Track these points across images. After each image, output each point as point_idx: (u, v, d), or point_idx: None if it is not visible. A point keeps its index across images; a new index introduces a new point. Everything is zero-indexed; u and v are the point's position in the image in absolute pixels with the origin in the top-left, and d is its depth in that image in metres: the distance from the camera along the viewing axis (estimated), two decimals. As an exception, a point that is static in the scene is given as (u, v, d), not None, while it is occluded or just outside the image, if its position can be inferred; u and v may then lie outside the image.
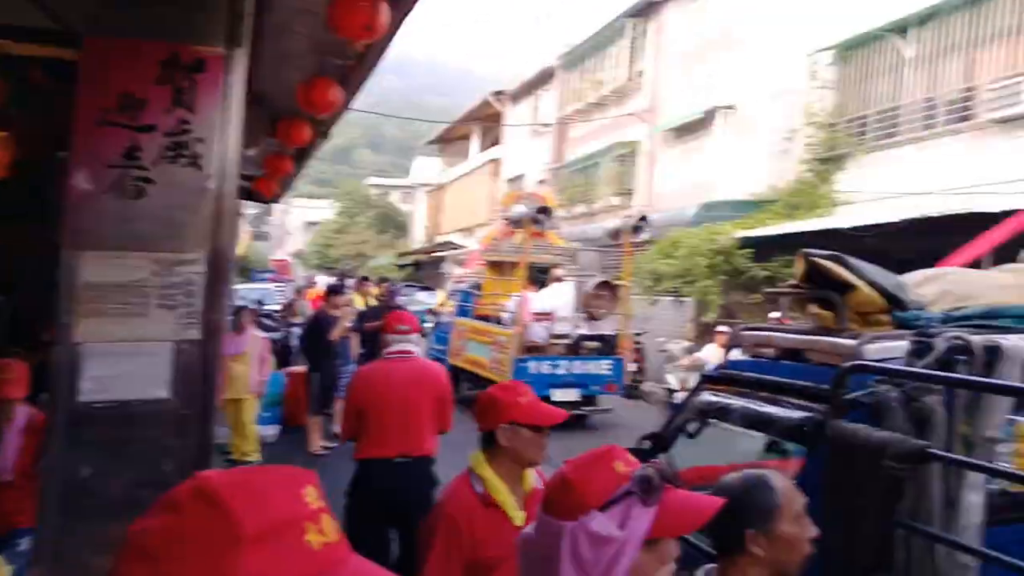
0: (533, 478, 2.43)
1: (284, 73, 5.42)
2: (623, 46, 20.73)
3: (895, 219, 9.65)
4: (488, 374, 9.88)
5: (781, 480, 1.67)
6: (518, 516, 2.31)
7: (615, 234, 11.96)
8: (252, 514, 0.74)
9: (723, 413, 2.48)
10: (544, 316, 10.34)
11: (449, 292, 15.66)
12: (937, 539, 1.76)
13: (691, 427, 2.69)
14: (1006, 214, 8.78)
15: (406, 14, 4.30)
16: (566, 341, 10.53)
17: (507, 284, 11.50)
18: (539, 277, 11.37)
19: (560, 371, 10.20)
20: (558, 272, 11.32)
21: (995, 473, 1.92)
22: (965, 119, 11.19)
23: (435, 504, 2.39)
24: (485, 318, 11.52)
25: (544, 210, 11.04)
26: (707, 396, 2.60)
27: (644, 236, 11.57)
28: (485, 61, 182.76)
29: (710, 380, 2.72)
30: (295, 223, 74.85)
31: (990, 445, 1.94)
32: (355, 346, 9.68)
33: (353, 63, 5.02)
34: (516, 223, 11.42)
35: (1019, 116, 10.18)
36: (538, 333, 10.22)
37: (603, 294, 10.92)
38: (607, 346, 10.73)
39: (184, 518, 0.75)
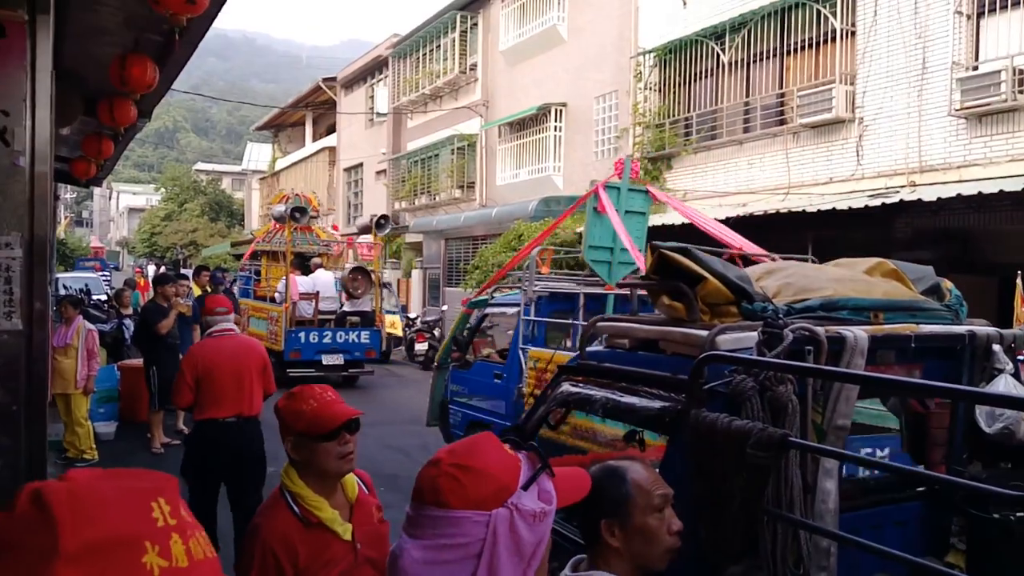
0: (354, 482, 2.23)
1: (97, 48, 4.97)
2: (453, 39, 20.82)
3: (721, 217, 10.26)
4: (268, 344, 10.97)
5: (640, 472, 1.67)
6: (345, 530, 2.11)
7: (364, 229, 15.11)
8: (77, 528, 0.66)
9: (585, 403, 2.49)
10: (308, 295, 12.79)
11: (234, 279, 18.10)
12: (801, 525, 1.84)
13: (552, 418, 2.70)
14: (817, 214, 9.57)
15: (231, -11, 4.04)
16: (331, 316, 13.09)
17: (278, 270, 14.14)
18: (304, 264, 14.36)
19: (327, 340, 12.52)
20: (317, 260, 14.52)
21: (850, 460, 2.03)
22: (781, 123, 12.09)
23: (250, 527, 2.12)
24: (263, 299, 13.95)
25: (299, 209, 12.97)
26: (567, 386, 2.61)
27: (385, 232, 14.65)
28: (312, 47, 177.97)
29: (569, 371, 2.73)
30: (118, 209, 69.74)
31: (841, 433, 2.06)
32: (197, 338, 9.17)
33: (173, 39, 4.66)
34: (279, 220, 13.60)
35: (827, 122, 11.12)
36: (304, 309, 12.73)
37: (359, 278, 13.29)
38: (367, 320, 13.20)
39: (12, 521, 0.68)
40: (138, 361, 8.80)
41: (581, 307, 7.01)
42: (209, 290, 10.48)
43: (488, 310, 8.00)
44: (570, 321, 6.95)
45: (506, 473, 1.15)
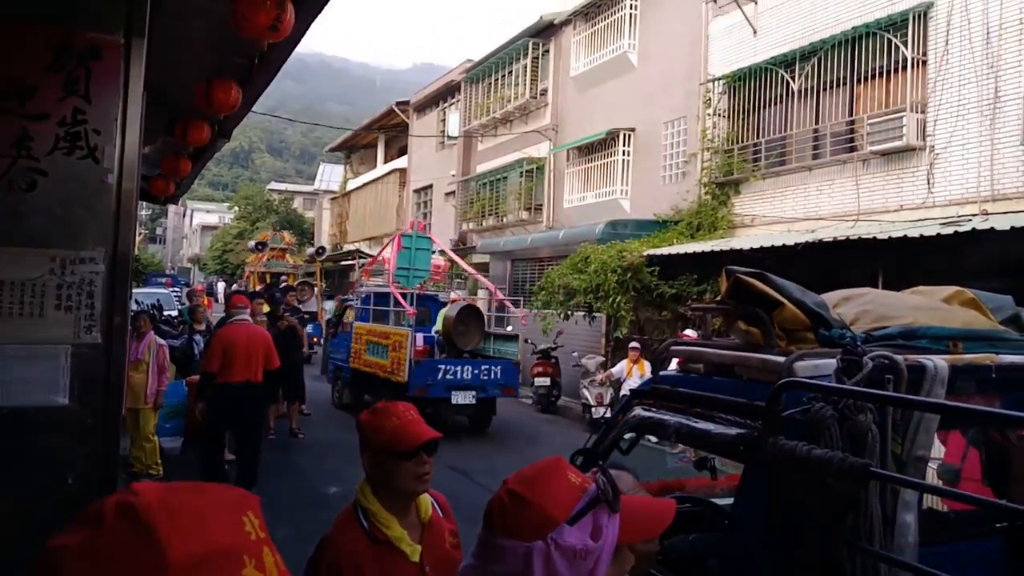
0: (429, 505, 2.21)
1: (183, 69, 5.17)
2: (525, 65, 21.04)
3: (791, 243, 10.04)
4: (389, 375, 11.54)
5: (624, 484, 1.65)
6: (413, 551, 2.08)
7: (312, 256, 21.52)
8: (182, 541, 0.64)
9: (657, 428, 2.44)
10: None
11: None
12: (884, 558, 1.76)
13: (624, 443, 2.66)
14: (888, 241, 9.28)
15: (313, 17, 4.16)
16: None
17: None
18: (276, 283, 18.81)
19: (461, 375, 11.82)
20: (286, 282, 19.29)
21: (933, 491, 1.95)
22: (851, 150, 11.81)
23: (321, 540, 2.13)
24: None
25: (260, 243, 18.05)
26: (639, 411, 2.56)
27: (322, 258, 21.11)
28: (386, 71, 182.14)
29: (641, 395, 2.68)
30: (191, 227, 72.22)
31: (921, 464, 1.97)
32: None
33: (256, 63, 4.82)
34: (253, 250, 18.48)
35: (898, 150, 10.83)
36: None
37: (305, 289, 18.30)
38: (312, 317, 16.73)
39: (104, 538, 0.65)
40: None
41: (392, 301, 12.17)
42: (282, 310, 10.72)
43: (346, 303, 15.22)
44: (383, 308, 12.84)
45: (557, 505, 1.10)
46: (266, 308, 10.30)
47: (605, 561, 1.08)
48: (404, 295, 11.74)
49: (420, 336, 11.89)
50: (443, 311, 12.62)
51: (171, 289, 30.04)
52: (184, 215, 74.03)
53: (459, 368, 11.04)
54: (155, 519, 0.65)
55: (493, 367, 11.38)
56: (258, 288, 18.95)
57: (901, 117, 10.77)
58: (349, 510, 2.15)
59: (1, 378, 2.36)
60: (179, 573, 0.63)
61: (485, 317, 12.87)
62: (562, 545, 1.06)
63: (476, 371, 11.14)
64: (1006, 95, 9.74)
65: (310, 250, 23.14)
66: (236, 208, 51.63)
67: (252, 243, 17.56)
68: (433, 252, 13.45)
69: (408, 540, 2.08)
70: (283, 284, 18.59)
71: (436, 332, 12.50)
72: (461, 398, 10.94)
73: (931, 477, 3.06)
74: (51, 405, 2.43)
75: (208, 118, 5.82)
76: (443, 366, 10.96)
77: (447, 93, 27.06)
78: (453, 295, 14.91)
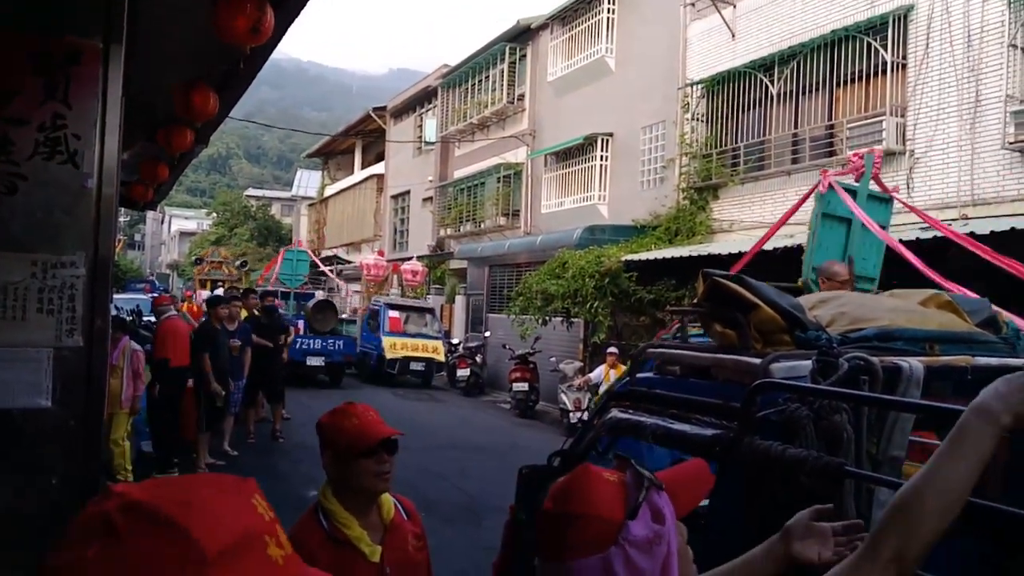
0: (392, 507, 2.21)
1: (161, 75, 5.15)
2: (502, 70, 21.10)
3: (769, 247, 10.13)
4: None
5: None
6: (373, 551, 2.08)
7: (239, 268, 28.31)
8: (210, 531, 0.64)
9: (635, 430, 2.47)
10: None
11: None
12: (857, 554, 1.80)
13: (601, 445, 2.68)
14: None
15: (291, 20, 4.17)
16: None
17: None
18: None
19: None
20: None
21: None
22: (830, 154, 11.96)
23: None
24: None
25: (199, 259, 22.30)
26: (616, 413, 2.59)
27: (245, 269, 23.87)
28: (362, 77, 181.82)
29: (618, 397, 2.71)
30: (170, 233, 71.59)
31: (896, 464, 2.01)
32: (247, 362, 9.37)
33: (236, 68, 4.82)
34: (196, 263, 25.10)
35: (884, 152, 10.96)
36: None
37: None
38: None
39: (128, 543, 0.63)
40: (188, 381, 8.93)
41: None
42: (257, 313, 10.67)
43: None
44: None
45: (609, 507, 1.08)
46: (244, 313, 10.28)
47: (673, 538, 1.09)
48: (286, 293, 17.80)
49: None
50: (307, 304, 18.45)
51: (150, 295, 29.94)
52: (163, 221, 73.38)
53: (311, 342, 16.18)
54: (173, 513, 0.64)
55: (337, 341, 16.73)
56: (199, 292, 24.76)
57: (881, 121, 10.91)
58: (310, 510, 2.16)
59: (-16, 380, 2.37)
60: (217, 561, 0.63)
61: (338, 308, 19.11)
62: (635, 541, 1.06)
63: (323, 344, 16.39)
64: (987, 99, 9.87)
65: (238, 262, 30.66)
66: (214, 214, 51.39)
67: (194, 258, 22.25)
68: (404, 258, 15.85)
69: (367, 540, 2.09)
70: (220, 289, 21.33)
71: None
72: (313, 361, 16.19)
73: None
74: (34, 407, 2.45)
75: (188, 123, 5.81)
76: (299, 340, 15.20)
77: (424, 98, 27.07)
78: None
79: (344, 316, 20.31)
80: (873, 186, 6.17)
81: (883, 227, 6.10)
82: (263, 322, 10.42)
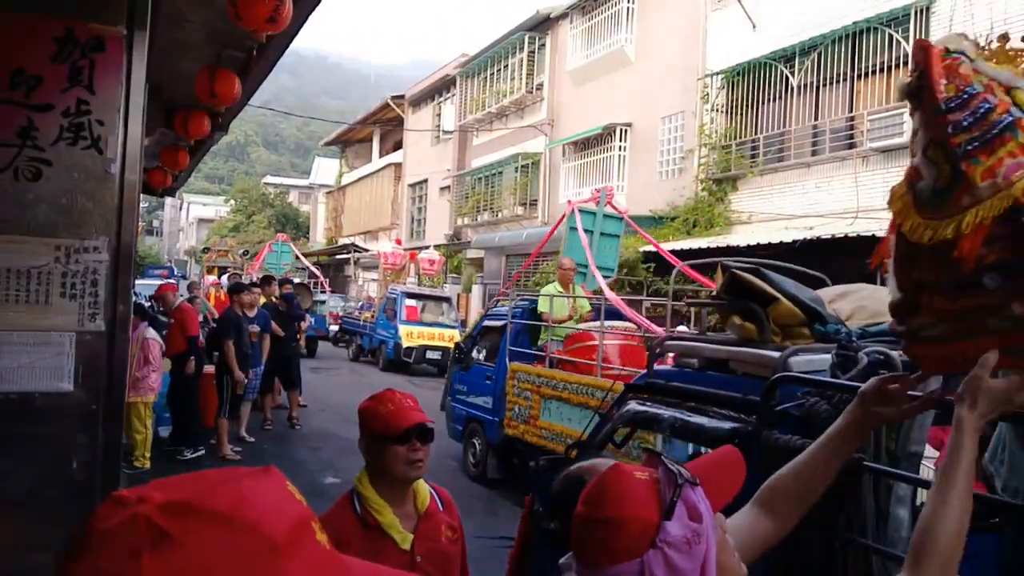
0: (427, 496, 2.22)
1: (181, 61, 5.18)
2: (521, 59, 21.02)
3: (788, 239, 10.07)
4: None
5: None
6: (404, 538, 2.10)
7: (242, 256, 29.62)
8: (272, 521, 0.63)
9: (652, 423, 2.47)
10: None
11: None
12: (876, 551, 1.80)
13: (618, 436, 2.68)
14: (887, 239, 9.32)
15: (311, 9, 4.17)
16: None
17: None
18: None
19: None
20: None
21: (927, 486, 1.98)
22: (850, 147, 11.84)
23: None
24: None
25: (207, 248, 26.49)
26: (634, 405, 2.59)
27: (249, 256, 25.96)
28: (380, 66, 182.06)
29: (636, 389, 2.71)
30: (187, 219, 72.07)
31: (915, 459, 2.00)
32: (267, 348, 9.44)
33: (253, 56, 4.83)
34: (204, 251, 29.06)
35: (898, 147, 10.85)
36: None
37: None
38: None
39: (190, 547, 0.60)
40: (210, 368, 8.86)
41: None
42: (275, 300, 10.72)
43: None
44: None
45: (643, 507, 1.05)
46: (262, 300, 10.34)
47: (711, 534, 1.06)
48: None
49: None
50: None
51: (167, 281, 30.40)
52: (180, 208, 73.79)
53: None
54: (228, 508, 0.62)
55: (312, 317, 17.05)
56: (208, 278, 25.76)
57: (902, 113, 10.79)
58: (346, 495, 2.19)
59: (8, 364, 2.40)
60: (285, 550, 0.62)
61: (312, 291, 20.41)
62: (673, 542, 1.02)
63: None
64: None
65: (241, 251, 32.57)
66: (232, 201, 51.67)
67: (202, 247, 24.30)
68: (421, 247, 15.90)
69: (399, 528, 2.10)
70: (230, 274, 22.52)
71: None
72: None
73: (926, 473, 3.10)
74: (56, 391, 2.47)
75: (207, 110, 5.83)
76: None
77: (442, 87, 27.04)
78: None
79: (318, 298, 22.26)
80: (610, 209, 9.75)
81: (616, 236, 9.86)
82: (281, 309, 10.49)
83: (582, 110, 18.48)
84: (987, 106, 1.17)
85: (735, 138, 14.02)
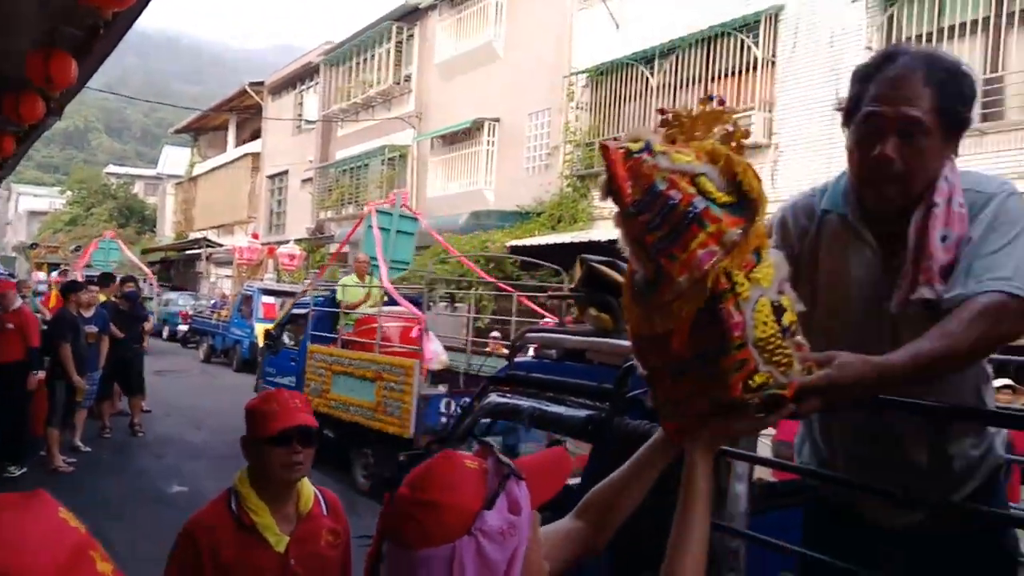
0: (311, 499, 2.17)
1: (10, 36, 4.75)
2: (388, 49, 20.76)
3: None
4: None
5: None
6: (279, 541, 2.06)
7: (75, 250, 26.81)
8: (35, 559, 0.57)
9: (513, 413, 2.50)
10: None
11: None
12: (716, 527, 1.88)
13: (479, 428, 2.69)
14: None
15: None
16: None
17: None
18: None
19: None
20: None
21: (763, 463, 2.10)
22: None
23: (188, 519, 2.12)
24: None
25: (34, 244, 23.60)
26: (495, 397, 2.61)
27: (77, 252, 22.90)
28: (239, 51, 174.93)
29: (497, 381, 2.73)
30: (16, 212, 66.44)
31: (752, 438, 2.12)
32: (105, 351, 8.82)
33: (99, 33, 4.51)
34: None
35: (746, 147, 11.48)
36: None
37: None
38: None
39: None
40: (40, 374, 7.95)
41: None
42: (115, 299, 10.03)
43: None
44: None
45: (466, 495, 1.05)
46: (102, 297, 9.69)
47: (526, 530, 1.06)
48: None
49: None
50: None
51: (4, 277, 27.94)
52: (9, 199, 67.94)
53: None
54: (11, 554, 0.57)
55: None
56: (37, 274, 24.13)
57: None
58: (224, 492, 2.14)
59: None
60: None
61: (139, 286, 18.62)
62: (488, 531, 1.02)
63: None
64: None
65: (72, 247, 30.19)
66: (69, 192, 48.12)
67: (31, 243, 22.72)
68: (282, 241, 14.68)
69: (275, 530, 2.06)
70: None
71: None
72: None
73: (764, 451, 3.29)
74: None
75: (41, 92, 5.38)
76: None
77: (305, 75, 26.27)
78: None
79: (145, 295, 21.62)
80: (405, 210, 10.97)
81: (411, 234, 11.08)
82: (122, 308, 9.82)
83: (451, 104, 18.45)
84: (672, 202, 1.19)
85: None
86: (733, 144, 1.30)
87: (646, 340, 1.31)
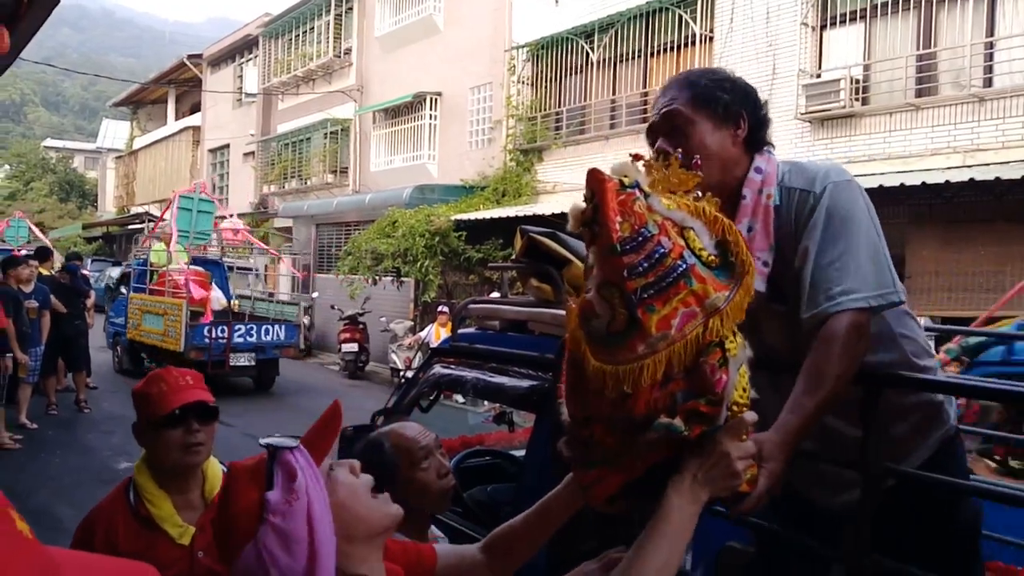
0: (219, 478, 1.97)
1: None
2: (328, 22, 20.36)
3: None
4: (165, 344, 11.24)
5: (398, 434, 1.84)
6: (182, 532, 1.89)
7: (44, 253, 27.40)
8: None
9: (456, 385, 2.54)
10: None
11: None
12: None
13: (424, 401, 2.73)
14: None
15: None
16: None
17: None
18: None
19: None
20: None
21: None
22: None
23: (89, 511, 1.99)
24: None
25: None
26: (439, 369, 2.65)
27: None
28: (176, 23, 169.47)
29: (441, 353, 2.77)
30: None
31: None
32: (46, 326, 8.60)
33: (25, 3, 4.35)
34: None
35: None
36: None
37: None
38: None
39: None
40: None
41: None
42: (55, 274, 9.80)
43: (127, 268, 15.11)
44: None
45: (247, 492, 1.03)
46: (43, 270, 9.43)
47: (315, 485, 1.05)
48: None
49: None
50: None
51: None
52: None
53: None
54: None
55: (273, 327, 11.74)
56: None
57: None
58: (121, 485, 1.99)
59: None
60: None
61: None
62: (275, 508, 1.00)
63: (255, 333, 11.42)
64: (782, 72, 10.71)
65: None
66: (7, 167, 46.38)
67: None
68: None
69: (177, 521, 1.89)
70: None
71: None
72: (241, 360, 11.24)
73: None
74: None
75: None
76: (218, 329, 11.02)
77: (244, 48, 25.60)
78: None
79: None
80: (205, 195, 13.80)
81: (211, 213, 13.87)
82: (63, 282, 9.59)
83: (392, 77, 18.21)
84: (662, 250, 1.10)
85: (540, 110, 14.44)
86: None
87: (592, 393, 1.15)
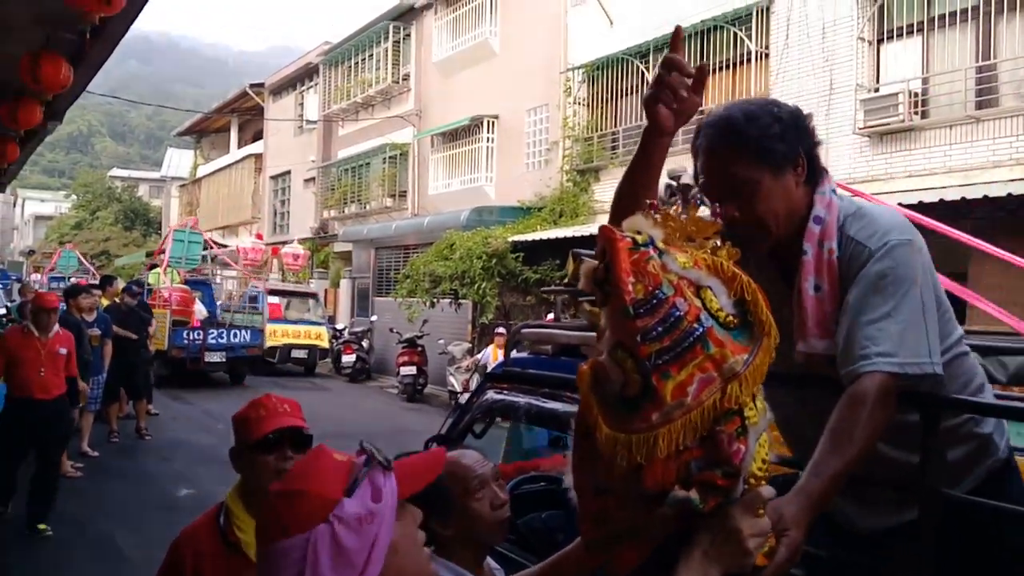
0: None
1: (5, 43, 4.78)
2: (386, 49, 20.78)
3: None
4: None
5: (453, 463, 1.75)
6: None
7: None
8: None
9: (509, 411, 2.51)
10: None
11: None
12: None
13: (478, 426, 2.71)
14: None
15: (149, -9, 3.95)
16: None
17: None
18: None
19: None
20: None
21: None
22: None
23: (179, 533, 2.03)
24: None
25: (31, 251, 28.64)
26: (492, 394, 2.62)
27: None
28: (239, 52, 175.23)
29: (493, 378, 2.74)
30: (23, 217, 66.77)
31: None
32: (108, 354, 8.80)
33: (88, 38, 4.52)
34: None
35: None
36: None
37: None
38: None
39: None
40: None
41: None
42: (118, 302, 10.05)
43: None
44: None
45: (328, 483, 1.02)
46: (105, 301, 9.70)
47: (389, 518, 1.03)
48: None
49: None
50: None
51: None
52: (15, 204, 68.22)
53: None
54: None
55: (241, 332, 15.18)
56: (33, 276, 25.68)
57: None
58: (215, 506, 2.04)
59: None
60: None
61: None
62: (345, 518, 0.99)
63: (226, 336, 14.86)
64: (839, 87, 10.52)
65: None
66: (74, 196, 48.27)
67: (28, 249, 24.31)
68: (281, 242, 16.93)
69: None
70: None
71: None
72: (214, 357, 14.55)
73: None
74: None
75: (38, 97, 5.40)
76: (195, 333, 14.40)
77: (305, 76, 26.29)
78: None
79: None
80: (194, 229, 17.24)
81: (199, 243, 17.10)
82: (124, 311, 9.83)
83: (450, 101, 18.46)
84: (678, 313, 1.05)
85: (597, 130, 14.43)
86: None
87: (604, 461, 1.09)
